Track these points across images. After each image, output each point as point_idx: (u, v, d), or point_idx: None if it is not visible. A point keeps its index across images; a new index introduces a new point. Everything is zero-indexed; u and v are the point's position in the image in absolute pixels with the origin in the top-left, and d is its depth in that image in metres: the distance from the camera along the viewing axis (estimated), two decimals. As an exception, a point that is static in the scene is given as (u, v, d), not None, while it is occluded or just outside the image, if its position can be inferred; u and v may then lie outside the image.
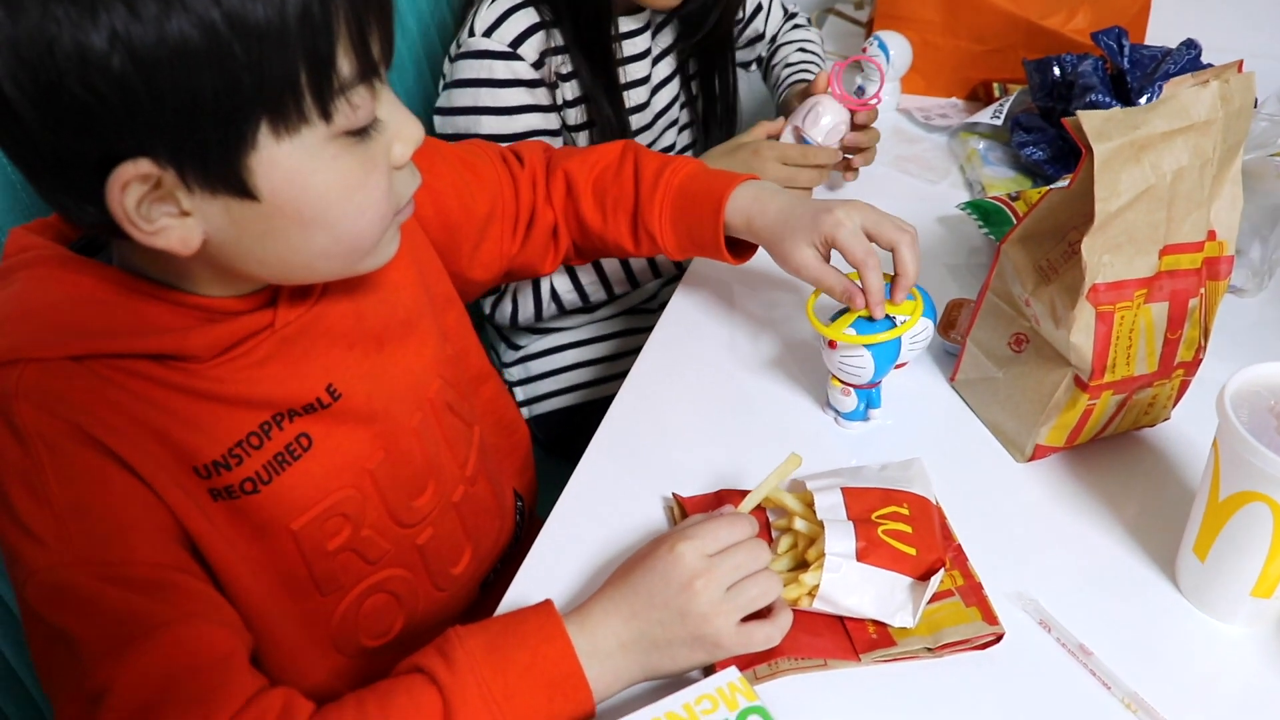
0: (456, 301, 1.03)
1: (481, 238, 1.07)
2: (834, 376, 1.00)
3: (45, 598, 0.71)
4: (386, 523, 0.88)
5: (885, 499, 0.87)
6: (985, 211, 1.27)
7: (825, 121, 1.31)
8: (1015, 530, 0.93)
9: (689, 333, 1.15)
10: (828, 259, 1.00)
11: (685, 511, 0.91)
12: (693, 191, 1.07)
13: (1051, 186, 1.25)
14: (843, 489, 0.88)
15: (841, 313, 0.98)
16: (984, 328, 1.02)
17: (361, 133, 0.70)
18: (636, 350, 1.14)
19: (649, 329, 1.18)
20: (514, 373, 1.49)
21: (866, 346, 0.95)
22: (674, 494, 0.93)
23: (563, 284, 1.29)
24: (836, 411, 1.03)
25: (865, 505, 0.86)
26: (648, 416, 1.04)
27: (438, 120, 1.29)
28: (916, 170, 1.45)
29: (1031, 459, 0.99)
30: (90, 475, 0.71)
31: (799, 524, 0.87)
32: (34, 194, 0.99)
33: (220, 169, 0.66)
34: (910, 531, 0.85)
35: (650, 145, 1.44)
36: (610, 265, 1.28)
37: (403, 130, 0.73)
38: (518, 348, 1.48)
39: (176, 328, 0.74)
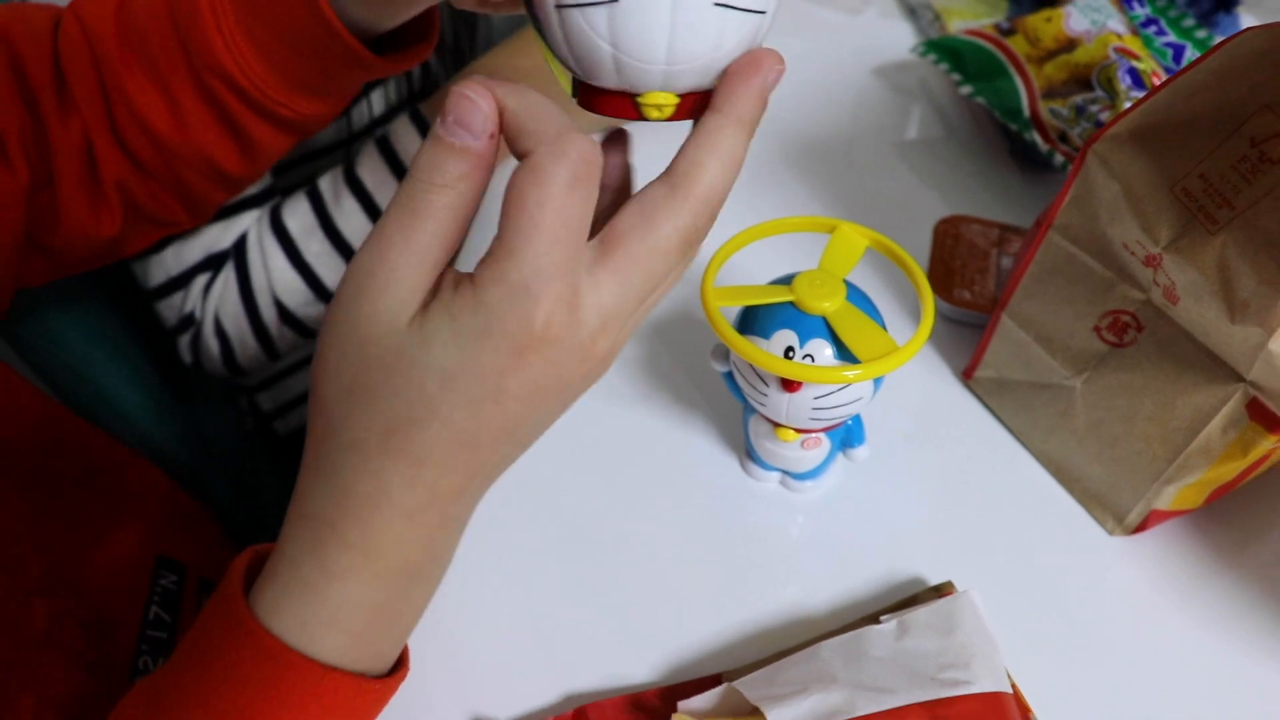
0: None
1: None
2: (782, 427, 0.51)
3: None
4: None
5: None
6: (957, 55, 0.78)
7: None
8: (1122, 685, 0.49)
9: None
10: None
11: None
12: None
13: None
14: (847, 726, 0.41)
15: (751, 314, 0.50)
16: (1041, 296, 0.55)
17: None
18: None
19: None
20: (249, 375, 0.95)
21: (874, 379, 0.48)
22: None
23: (287, 282, 0.75)
24: (783, 472, 0.56)
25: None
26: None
27: None
28: (822, -7, 0.94)
29: (1137, 531, 0.54)
30: None
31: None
32: None
33: None
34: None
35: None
36: (354, 223, 0.74)
37: None
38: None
39: None
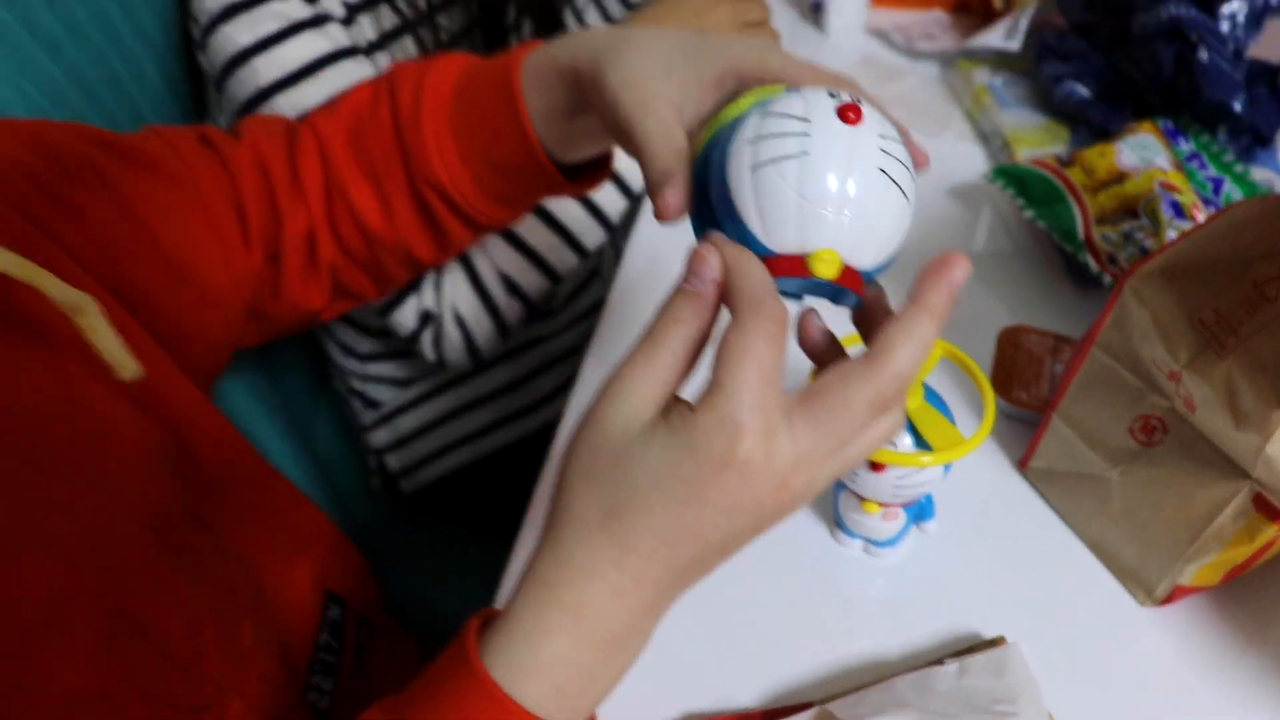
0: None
1: (182, 277, 0.65)
2: (868, 500, 0.62)
3: None
4: None
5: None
6: (1022, 182, 0.90)
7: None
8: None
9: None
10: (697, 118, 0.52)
11: None
12: (472, 81, 0.67)
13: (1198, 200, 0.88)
14: (915, 742, 0.52)
15: None
16: (1085, 400, 0.66)
17: None
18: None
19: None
20: (380, 437, 1.08)
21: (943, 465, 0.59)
22: None
23: (506, 255, 0.86)
24: (866, 540, 0.67)
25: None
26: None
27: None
28: (904, 118, 1.06)
29: (1164, 603, 0.64)
30: None
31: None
32: None
33: None
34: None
35: None
36: (564, 205, 0.86)
37: None
38: (376, 404, 1.06)
39: None
